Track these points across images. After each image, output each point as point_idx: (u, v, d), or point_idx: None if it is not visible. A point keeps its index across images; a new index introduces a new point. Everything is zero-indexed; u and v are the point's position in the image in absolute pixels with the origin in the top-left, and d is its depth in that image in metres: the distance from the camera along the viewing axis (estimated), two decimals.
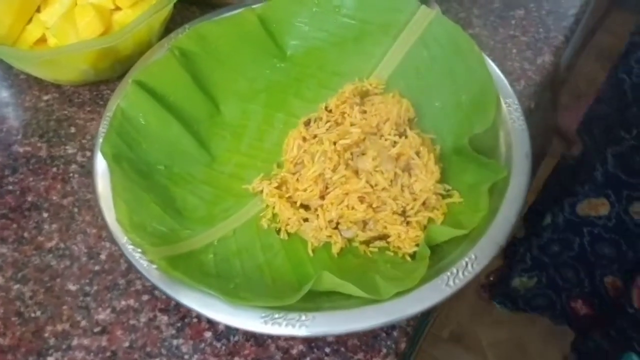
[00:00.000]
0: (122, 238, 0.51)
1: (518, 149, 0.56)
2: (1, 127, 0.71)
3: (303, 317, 0.46)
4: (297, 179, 0.58)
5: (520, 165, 0.54)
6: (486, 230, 0.51)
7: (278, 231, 0.57)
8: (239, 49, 0.69)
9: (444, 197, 0.57)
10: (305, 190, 0.57)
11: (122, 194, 0.53)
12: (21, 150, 0.69)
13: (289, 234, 0.57)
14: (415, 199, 0.56)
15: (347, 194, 0.56)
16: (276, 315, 0.47)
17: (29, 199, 0.64)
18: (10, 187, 0.65)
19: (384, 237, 0.56)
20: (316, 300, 0.49)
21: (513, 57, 0.76)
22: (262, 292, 0.49)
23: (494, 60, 0.64)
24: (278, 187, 0.59)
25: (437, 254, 0.51)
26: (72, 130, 0.71)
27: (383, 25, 0.68)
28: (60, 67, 0.68)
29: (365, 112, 0.61)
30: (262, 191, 0.59)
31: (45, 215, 0.62)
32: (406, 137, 0.58)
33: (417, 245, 0.53)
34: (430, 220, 0.56)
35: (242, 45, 0.69)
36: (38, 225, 0.61)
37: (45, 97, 0.74)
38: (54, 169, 0.64)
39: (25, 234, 0.59)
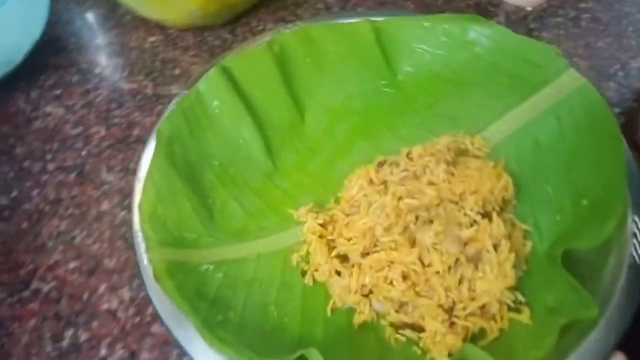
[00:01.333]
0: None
1: (626, 292, 0.42)
2: (107, 64, 0.74)
3: None
4: (347, 224, 0.50)
5: (620, 316, 0.40)
6: None
7: (304, 273, 0.50)
8: (346, 60, 0.63)
9: (510, 309, 0.45)
10: (349, 240, 0.49)
11: (156, 180, 0.49)
12: (127, 87, 0.72)
13: (315, 280, 0.49)
14: (472, 299, 0.45)
15: (391, 263, 0.47)
16: None
17: (135, 132, 0.66)
18: (117, 120, 0.68)
19: (418, 328, 0.46)
20: None
21: None
22: (248, 340, 0.42)
23: None
24: (323, 225, 0.51)
25: None
26: (177, 72, 0.72)
27: (516, 77, 0.57)
28: (170, 5, 0.68)
29: (452, 174, 0.51)
30: (305, 222, 0.52)
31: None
32: (490, 220, 0.47)
33: (450, 355, 0.43)
34: (481, 332, 0.45)
35: (351, 57, 0.62)
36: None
37: (151, 39, 0.76)
38: (159, 107, 0.65)
39: (131, 165, 0.60)
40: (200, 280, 0.47)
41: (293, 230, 0.54)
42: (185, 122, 0.56)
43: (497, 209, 0.50)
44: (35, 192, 0.60)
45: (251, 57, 0.60)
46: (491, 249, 0.46)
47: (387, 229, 0.48)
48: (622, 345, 0.40)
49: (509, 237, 0.49)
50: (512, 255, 0.46)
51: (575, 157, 0.51)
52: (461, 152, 0.54)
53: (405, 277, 0.46)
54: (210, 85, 0.58)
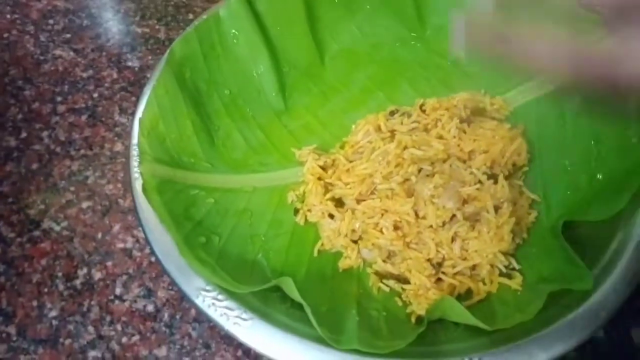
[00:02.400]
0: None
1: (627, 270, 0.40)
2: (118, 8, 0.73)
3: (243, 315, 0.38)
4: (348, 170, 0.49)
5: (616, 292, 0.39)
6: (518, 343, 0.37)
7: (297, 212, 0.49)
8: (377, 7, 0.61)
9: (501, 273, 0.44)
10: (347, 184, 0.48)
11: (161, 96, 0.49)
12: (139, 30, 0.71)
13: (306, 220, 0.49)
14: (463, 258, 0.44)
15: (385, 211, 0.45)
16: (219, 297, 0.39)
17: (148, 75, 0.65)
18: (130, 64, 0.67)
19: (403, 280, 0.45)
20: (274, 305, 0.41)
21: None
22: (228, 266, 0.42)
23: None
24: (324, 167, 0.50)
25: (436, 334, 0.39)
26: (190, 16, 0.71)
27: None
28: None
29: (464, 131, 0.49)
30: (306, 162, 0.51)
31: None
32: (495, 182, 0.45)
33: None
34: (467, 293, 0.44)
35: (382, 4, 0.60)
36: None
37: None
38: None
39: None
40: (190, 201, 0.47)
41: (293, 170, 0.53)
42: (199, 46, 0.55)
43: (505, 172, 0.48)
44: (45, 134, 0.59)
45: None
46: (491, 210, 0.45)
47: (386, 177, 0.47)
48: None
49: (514, 203, 0.47)
50: (512, 220, 0.45)
51: (599, 131, 0.49)
52: (478, 112, 0.52)
53: (396, 227, 0.45)
54: (231, 13, 0.57)
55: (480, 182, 0.46)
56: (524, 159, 0.49)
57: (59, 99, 0.63)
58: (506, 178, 0.47)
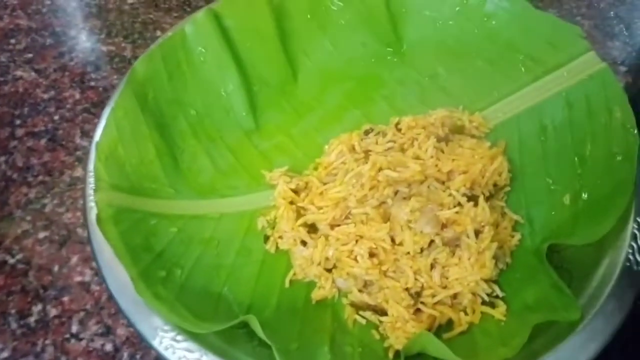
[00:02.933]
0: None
1: (615, 298, 0.37)
2: (83, 26, 0.71)
3: (203, 358, 0.35)
4: (321, 193, 0.46)
5: (605, 323, 0.36)
6: None
7: (267, 239, 0.46)
8: (351, 21, 0.59)
9: (484, 302, 0.41)
10: (320, 208, 0.45)
11: (120, 119, 0.47)
12: (105, 49, 0.69)
13: (277, 248, 0.46)
14: (443, 287, 0.41)
15: (360, 237, 0.43)
16: (178, 337, 0.36)
17: (112, 96, 0.61)
18: (93, 84, 0.65)
19: (380, 312, 0.42)
20: (240, 344, 0.38)
21: None
22: (190, 302, 0.39)
23: None
24: (296, 191, 0.48)
25: None
26: (158, 33, 0.69)
27: (532, 57, 0.52)
28: None
29: (442, 151, 0.47)
30: (277, 185, 0.48)
31: None
32: (476, 204, 0.43)
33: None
34: (448, 323, 0.41)
35: (357, 19, 0.58)
36: None
37: (130, 0, 0.72)
38: None
39: None
40: (151, 231, 0.44)
41: (263, 194, 0.50)
42: (163, 64, 0.52)
43: (487, 193, 0.46)
44: (2, 159, 0.56)
45: (246, 5, 0.56)
46: (472, 234, 0.42)
47: (361, 201, 0.44)
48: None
49: (496, 226, 0.45)
50: (494, 244, 0.42)
51: (583, 147, 0.47)
52: (457, 129, 0.50)
53: (372, 254, 0.43)
54: (197, 29, 0.54)
55: (459, 204, 0.44)
56: (506, 178, 0.47)
57: (17, 122, 0.60)
58: (487, 199, 0.45)
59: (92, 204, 0.43)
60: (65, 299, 0.47)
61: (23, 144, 0.58)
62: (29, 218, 0.52)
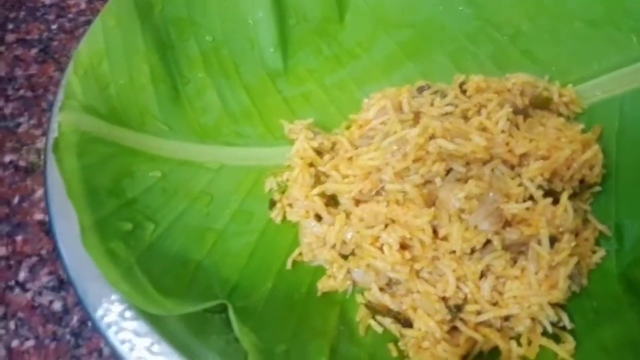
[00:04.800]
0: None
1: None
2: None
3: (154, 347, 0.26)
4: (350, 158, 0.36)
5: None
6: None
7: (273, 205, 0.36)
8: None
9: (546, 333, 0.30)
10: (345, 177, 0.35)
11: (111, 29, 0.38)
12: None
13: (284, 218, 0.36)
14: (494, 304, 0.31)
15: (392, 221, 0.32)
16: (126, 314, 0.27)
17: None
18: None
19: (403, 321, 0.32)
20: (209, 335, 0.28)
21: None
22: (157, 268, 0.29)
23: None
24: (319, 151, 0.38)
25: None
26: None
27: None
28: None
29: (517, 126, 0.35)
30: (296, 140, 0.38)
31: None
32: (556, 202, 0.32)
33: None
34: (493, 353, 0.31)
35: None
36: None
37: None
38: None
39: None
40: (125, 171, 0.35)
41: (279, 149, 0.41)
42: None
43: (570, 190, 0.34)
44: None
45: None
46: (545, 241, 0.32)
47: (400, 175, 0.34)
48: None
49: (575, 234, 0.34)
50: (573, 260, 0.31)
51: None
52: (541, 103, 0.39)
53: (404, 245, 0.33)
54: None
55: (532, 198, 0.33)
56: (597, 175, 0.36)
57: (10, 26, 0.52)
58: (570, 198, 0.34)
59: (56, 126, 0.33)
60: (19, 238, 0.39)
61: (11, 51, 0.50)
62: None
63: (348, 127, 0.41)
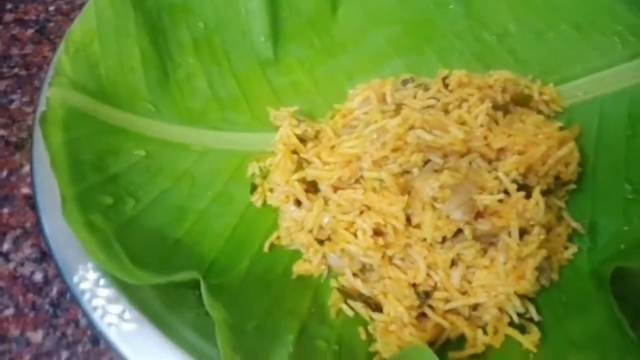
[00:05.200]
0: None
1: None
2: None
3: (126, 314, 0.27)
4: (333, 147, 0.37)
5: None
6: None
7: (254, 189, 0.37)
8: None
9: (512, 323, 0.31)
10: (326, 165, 0.36)
11: (103, 10, 0.39)
12: None
13: (265, 203, 0.37)
14: (463, 293, 0.32)
15: (367, 208, 0.33)
16: (101, 282, 0.28)
17: None
18: None
19: (373, 306, 0.32)
20: (181, 308, 0.29)
21: None
22: (132, 241, 0.30)
23: None
24: (303, 139, 0.39)
25: None
26: None
27: (632, 30, 0.41)
28: None
29: (497, 121, 0.36)
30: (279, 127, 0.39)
31: None
32: (528, 195, 0.33)
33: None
34: (460, 340, 0.31)
35: None
36: None
37: None
38: None
39: None
40: (110, 148, 0.36)
41: (264, 135, 0.41)
42: None
43: (544, 186, 0.35)
44: None
45: None
46: (515, 233, 0.32)
47: (378, 163, 0.35)
48: None
49: (548, 229, 0.34)
50: (542, 252, 0.32)
51: None
52: (521, 100, 0.39)
53: (378, 232, 0.33)
54: None
55: (506, 191, 0.33)
56: (573, 172, 0.36)
57: (8, 6, 0.53)
58: (544, 194, 0.34)
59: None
60: (5, 210, 0.40)
61: (8, 30, 0.50)
62: None
63: (333, 117, 0.42)
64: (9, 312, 0.35)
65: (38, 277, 0.37)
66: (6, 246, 0.38)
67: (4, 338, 0.34)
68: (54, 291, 0.36)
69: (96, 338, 0.34)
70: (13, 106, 0.45)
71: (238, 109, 0.42)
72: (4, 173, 0.41)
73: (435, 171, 0.35)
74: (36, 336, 0.34)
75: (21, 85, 0.46)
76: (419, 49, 0.46)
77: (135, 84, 0.39)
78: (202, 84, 0.42)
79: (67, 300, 0.35)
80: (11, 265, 0.37)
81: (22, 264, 0.37)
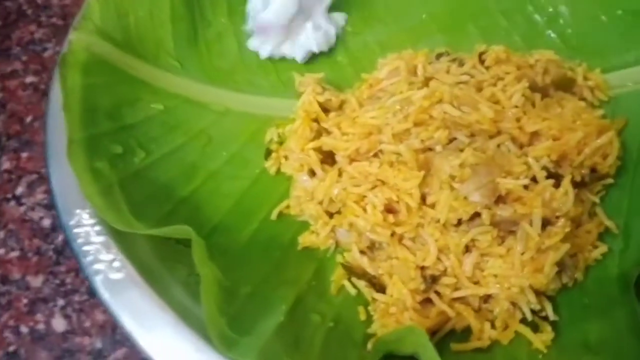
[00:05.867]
0: None
1: None
2: None
3: (115, 263, 0.26)
4: (355, 118, 0.35)
5: None
6: None
7: (269, 154, 0.36)
8: None
9: (524, 320, 0.29)
10: (345, 135, 0.34)
11: None
12: None
13: (279, 170, 0.36)
14: (475, 282, 0.30)
15: (381, 183, 0.32)
16: (97, 228, 0.27)
17: None
18: None
19: (377, 286, 0.31)
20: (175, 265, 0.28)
21: None
22: (140, 194, 0.30)
23: None
24: (326, 109, 0.37)
25: None
26: None
27: None
28: None
29: (533, 104, 0.34)
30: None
31: None
32: (557, 184, 0.30)
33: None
34: (465, 332, 0.29)
35: None
36: None
37: None
38: None
39: None
40: (128, 99, 0.35)
41: (287, 101, 0.40)
42: None
43: (578, 177, 0.32)
44: None
45: None
46: (537, 222, 0.30)
47: (398, 137, 0.33)
48: None
49: (577, 225, 0.32)
50: (565, 247, 0.29)
51: None
52: (563, 84, 0.36)
53: (389, 209, 0.32)
54: None
55: (534, 178, 0.31)
56: (611, 165, 0.33)
57: None
58: (577, 186, 0.32)
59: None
60: (24, 155, 0.40)
61: None
62: (24, 58, 0.45)
63: (360, 88, 0.40)
64: (14, 254, 0.36)
65: (46, 223, 0.37)
66: (20, 189, 0.38)
67: (6, 279, 0.35)
68: (60, 239, 0.36)
69: (93, 291, 0.33)
70: (46, 54, 0.45)
71: (265, 73, 0.41)
72: (29, 118, 0.42)
73: (460, 151, 0.33)
74: (36, 281, 0.35)
75: (57, 34, 0.47)
76: (461, 26, 0.44)
77: (163, 38, 0.38)
78: (231, 45, 0.42)
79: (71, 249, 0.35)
80: (22, 209, 0.38)
81: (32, 209, 0.37)
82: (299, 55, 0.41)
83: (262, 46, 0.41)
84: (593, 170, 0.34)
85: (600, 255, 0.33)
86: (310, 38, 0.41)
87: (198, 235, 0.29)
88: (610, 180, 0.34)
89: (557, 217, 0.31)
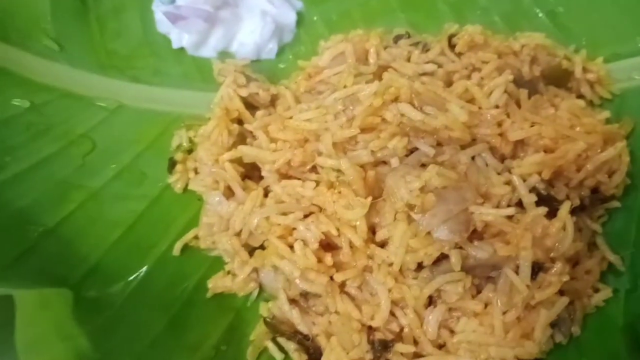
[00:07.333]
0: None
1: None
2: None
3: None
4: (290, 117, 0.27)
5: None
6: None
7: (173, 165, 0.27)
8: None
9: None
10: (274, 142, 0.26)
11: None
12: None
13: (186, 188, 0.27)
14: (440, 346, 0.22)
15: (319, 208, 0.23)
16: None
17: None
18: None
19: (311, 350, 0.23)
20: None
21: None
22: None
23: None
24: (249, 102, 0.28)
25: None
26: None
27: None
28: None
29: (518, 103, 0.26)
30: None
31: None
32: (552, 213, 0.22)
33: None
34: None
35: None
36: None
37: None
38: None
39: None
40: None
41: (205, 95, 0.31)
42: None
43: (576, 201, 0.24)
44: None
45: None
46: (526, 268, 0.22)
47: (340, 146, 0.24)
48: None
49: (574, 263, 0.24)
50: (563, 301, 0.21)
51: None
52: (557, 76, 0.29)
53: (329, 245, 0.23)
54: None
55: (519, 203, 0.23)
56: (618, 185, 0.26)
57: None
58: (573, 211, 0.24)
59: None
60: None
61: None
62: None
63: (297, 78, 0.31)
64: None
65: None
66: None
67: None
68: None
69: None
70: None
71: (179, 57, 0.33)
72: None
73: (422, 165, 0.25)
74: None
75: None
76: (431, 2, 0.35)
77: (37, 11, 0.29)
78: (133, 21, 0.33)
79: None
80: None
81: None
82: (243, 52, 0.32)
83: (179, 37, 0.32)
84: (594, 190, 0.26)
85: (602, 300, 0.25)
86: (256, 28, 0.32)
87: (66, 284, 0.20)
88: (616, 204, 0.27)
89: (553, 260, 0.23)
